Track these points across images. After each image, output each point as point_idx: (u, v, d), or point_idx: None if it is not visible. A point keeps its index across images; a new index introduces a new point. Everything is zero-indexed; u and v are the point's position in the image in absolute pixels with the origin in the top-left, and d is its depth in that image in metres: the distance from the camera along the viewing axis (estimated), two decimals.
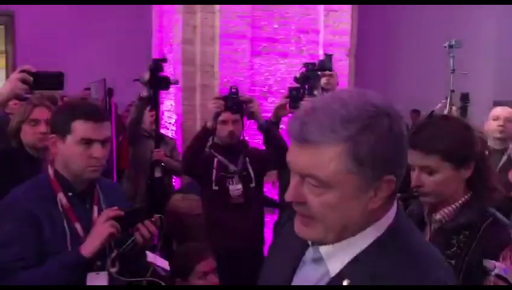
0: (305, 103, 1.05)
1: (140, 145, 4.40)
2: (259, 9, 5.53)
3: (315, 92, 3.33)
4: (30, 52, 8.09)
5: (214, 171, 3.29)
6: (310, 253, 1.06)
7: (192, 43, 5.44)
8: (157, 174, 3.97)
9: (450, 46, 5.14)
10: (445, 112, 5.13)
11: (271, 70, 5.65)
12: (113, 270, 1.82)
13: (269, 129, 3.24)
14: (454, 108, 5.15)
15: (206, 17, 5.38)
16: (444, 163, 1.52)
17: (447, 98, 5.12)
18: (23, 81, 2.01)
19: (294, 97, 3.31)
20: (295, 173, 0.96)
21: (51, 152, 1.90)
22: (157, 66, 3.78)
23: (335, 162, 0.91)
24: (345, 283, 0.96)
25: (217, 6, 5.33)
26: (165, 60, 4.07)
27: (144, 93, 3.84)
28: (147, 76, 3.76)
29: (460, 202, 1.55)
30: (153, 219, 1.88)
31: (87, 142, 1.77)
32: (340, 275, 0.98)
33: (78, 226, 1.81)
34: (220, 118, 3.24)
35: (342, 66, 5.78)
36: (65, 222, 1.79)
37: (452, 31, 6.91)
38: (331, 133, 0.90)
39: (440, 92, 5.44)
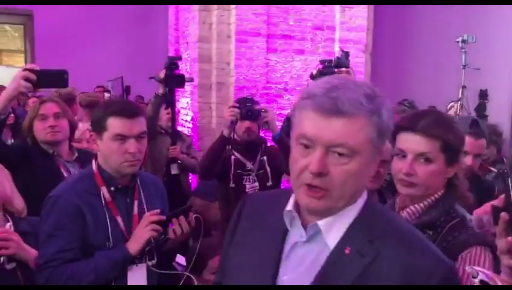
0: (317, 83, 1.07)
1: (157, 142, 4.43)
2: (275, 6, 5.54)
3: None
4: (48, 51, 8.21)
5: (232, 169, 3.30)
6: (297, 236, 1.09)
7: (208, 40, 5.48)
8: (174, 171, 4.01)
9: (463, 41, 5.10)
10: (456, 109, 5.09)
11: (286, 67, 5.65)
12: (151, 263, 1.91)
13: (283, 140, 3.21)
14: (454, 104, 5.12)
15: (222, 14, 5.41)
16: (440, 154, 1.47)
17: (461, 98, 5.08)
18: (27, 79, 2.06)
19: None
20: (320, 146, 1.01)
21: (94, 148, 1.97)
22: (172, 64, 3.82)
23: (363, 131, 1.00)
24: (346, 251, 1.02)
25: (233, 4, 5.36)
26: (180, 58, 4.10)
27: (160, 90, 3.87)
28: (162, 74, 3.79)
29: (430, 200, 1.50)
30: (188, 219, 1.93)
31: (122, 138, 1.83)
32: (340, 246, 1.04)
33: (119, 219, 1.90)
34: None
35: (358, 62, 5.77)
36: (107, 215, 1.87)
37: (468, 27, 6.85)
38: (360, 105, 1.00)
39: (455, 88, 5.40)
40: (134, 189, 1.97)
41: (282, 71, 5.62)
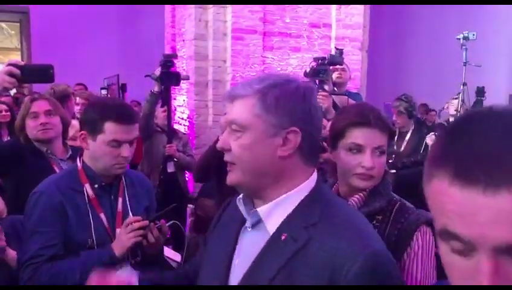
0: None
1: (153, 140, 4.43)
2: (271, 3, 5.53)
3: (325, 87, 3.30)
4: (45, 48, 8.19)
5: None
6: (248, 222, 1.18)
7: (205, 38, 5.46)
8: (170, 169, 4.01)
9: (465, 38, 5.09)
10: (456, 107, 5.09)
11: (283, 65, 5.65)
12: (133, 261, 1.90)
13: None
14: (454, 101, 5.14)
15: (218, 12, 5.40)
16: (386, 144, 1.57)
17: (458, 94, 5.09)
18: (10, 74, 2.03)
19: None
20: (226, 127, 1.16)
21: (81, 146, 1.95)
22: (167, 61, 3.81)
23: (250, 108, 1.12)
24: (282, 237, 1.10)
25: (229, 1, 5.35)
26: (175, 56, 4.10)
27: (156, 88, 3.87)
28: (158, 72, 3.79)
29: (369, 188, 1.57)
30: (160, 224, 1.92)
31: (117, 143, 1.84)
32: (278, 232, 1.12)
33: (102, 216, 1.90)
34: None
35: (355, 60, 5.76)
36: (90, 212, 1.87)
37: (465, 24, 6.84)
38: (249, 87, 1.13)
39: (452, 86, 5.40)
40: (118, 186, 1.97)
41: (278, 69, 5.61)
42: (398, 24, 8.76)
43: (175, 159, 4.09)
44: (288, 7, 5.58)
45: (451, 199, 0.59)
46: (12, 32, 13.90)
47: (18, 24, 10.45)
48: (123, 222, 1.89)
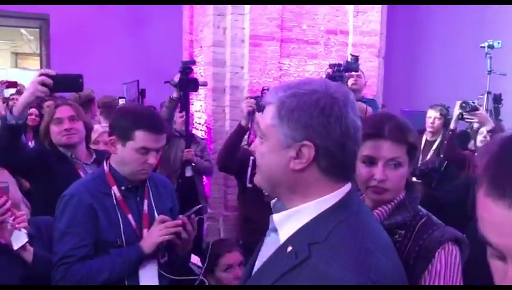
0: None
1: (172, 145, 4.49)
2: (288, 10, 5.57)
3: None
4: (63, 53, 8.32)
5: (249, 169, 3.36)
6: (270, 225, 1.19)
7: (222, 45, 5.52)
8: (188, 173, 4.06)
9: (490, 47, 5.06)
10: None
11: (299, 71, 5.68)
12: (163, 260, 2.01)
13: None
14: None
15: (237, 19, 5.45)
16: (406, 156, 1.52)
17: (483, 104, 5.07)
18: (43, 84, 2.11)
19: None
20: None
21: (109, 150, 2.03)
22: (186, 68, 3.87)
23: (270, 116, 1.12)
24: (288, 249, 1.08)
25: (247, 8, 5.40)
26: (194, 63, 4.15)
27: (174, 94, 3.93)
28: (177, 78, 3.85)
29: (396, 200, 1.53)
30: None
31: (146, 150, 1.91)
32: (286, 243, 1.10)
33: (130, 217, 1.98)
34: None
35: (371, 66, 5.78)
36: (119, 213, 1.96)
37: (481, 32, 6.82)
38: (274, 94, 1.13)
39: (469, 93, 5.38)
40: (144, 188, 2.05)
41: (295, 75, 5.65)
42: (415, 31, 8.74)
43: (193, 164, 4.14)
44: (305, 14, 5.62)
45: (485, 208, 0.66)
46: (31, 37, 14.13)
47: (38, 30, 10.61)
48: (149, 223, 1.96)
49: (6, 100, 6.34)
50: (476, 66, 5.14)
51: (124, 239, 1.92)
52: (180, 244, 1.98)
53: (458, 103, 3.85)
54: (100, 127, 3.57)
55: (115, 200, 1.96)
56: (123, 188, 1.98)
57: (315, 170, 1.10)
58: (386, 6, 5.97)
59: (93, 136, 3.08)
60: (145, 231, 1.97)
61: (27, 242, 1.93)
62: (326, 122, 1.07)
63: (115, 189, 1.97)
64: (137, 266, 1.94)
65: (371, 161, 1.50)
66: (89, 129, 2.88)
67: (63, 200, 1.93)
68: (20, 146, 2.47)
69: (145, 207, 2.03)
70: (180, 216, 1.97)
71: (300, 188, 1.11)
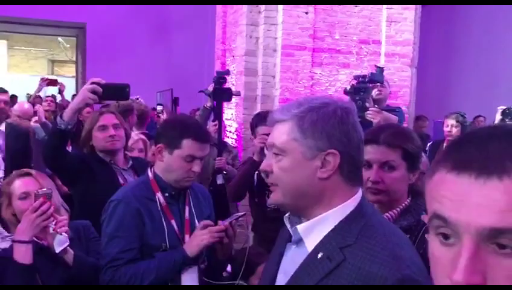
0: None
1: None
2: (321, 20, 5.60)
3: (366, 104, 3.33)
4: (99, 61, 8.52)
5: (255, 185, 3.41)
6: (292, 239, 1.22)
7: (255, 54, 5.58)
8: (219, 181, 4.10)
9: None
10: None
11: (331, 80, 5.69)
12: (203, 265, 2.07)
13: None
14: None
15: (269, 29, 5.51)
16: (402, 161, 1.63)
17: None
18: (93, 92, 2.19)
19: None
20: (269, 150, 1.22)
21: (153, 158, 2.10)
22: (220, 78, 3.93)
23: (288, 132, 1.16)
24: (319, 255, 1.12)
25: (280, 18, 5.45)
26: (228, 73, 4.21)
27: (208, 104, 3.99)
28: (211, 88, 3.91)
29: (402, 206, 1.64)
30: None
31: (192, 158, 2.00)
32: (316, 250, 1.14)
33: (173, 222, 2.05)
34: (259, 131, 3.32)
35: (404, 76, 5.75)
36: (163, 218, 2.03)
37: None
38: (287, 112, 1.18)
39: (504, 103, 5.30)
40: (185, 195, 2.13)
41: (326, 84, 5.66)
42: (448, 41, 8.65)
43: (224, 172, 4.18)
44: (338, 24, 5.64)
45: (446, 186, 0.65)
46: (68, 45, 14.52)
47: (74, 38, 10.90)
48: (190, 229, 2.02)
49: (41, 100, 6.51)
50: (510, 75, 5.07)
51: (168, 244, 1.99)
52: (220, 249, 2.03)
53: (500, 109, 3.78)
54: (135, 134, 3.65)
55: (159, 206, 2.02)
56: (167, 194, 2.05)
57: (338, 176, 1.16)
58: (419, 16, 5.94)
59: (129, 143, 3.17)
60: (186, 236, 2.04)
61: (67, 245, 2.00)
62: (346, 130, 1.16)
63: (159, 195, 2.04)
64: (181, 269, 2.00)
65: (368, 165, 1.63)
66: (127, 137, 2.97)
67: (111, 205, 2.01)
68: (66, 151, 2.56)
69: (187, 213, 2.10)
70: (222, 222, 2.01)
71: (325, 196, 1.16)
